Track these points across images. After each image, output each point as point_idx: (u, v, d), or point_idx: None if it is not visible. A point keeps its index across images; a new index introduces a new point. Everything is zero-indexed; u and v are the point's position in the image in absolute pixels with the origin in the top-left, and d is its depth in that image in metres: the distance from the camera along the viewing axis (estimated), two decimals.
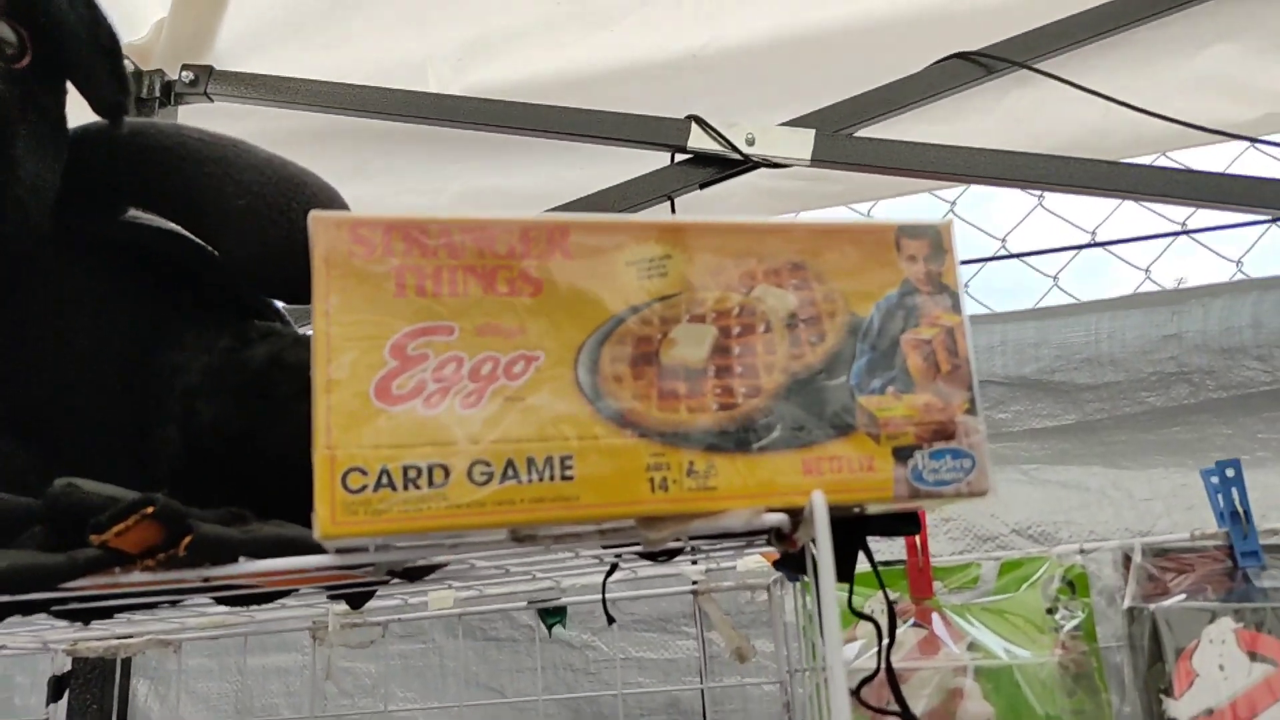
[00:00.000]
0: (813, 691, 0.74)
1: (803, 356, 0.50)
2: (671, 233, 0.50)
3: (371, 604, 0.86)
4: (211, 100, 1.27)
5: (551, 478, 0.45)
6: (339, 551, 0.49)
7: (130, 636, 0.83)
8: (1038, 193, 1.39)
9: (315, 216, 0.47)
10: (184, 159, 0.58)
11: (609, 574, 0.68)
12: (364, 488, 0.44)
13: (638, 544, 0.49)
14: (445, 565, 0.59)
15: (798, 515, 0.50)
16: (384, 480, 0.44)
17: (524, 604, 0.80)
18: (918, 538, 0.75)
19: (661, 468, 0.47)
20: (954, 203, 1.47)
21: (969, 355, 0.52)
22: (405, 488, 0.44)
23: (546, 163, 1.19)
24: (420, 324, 0.46)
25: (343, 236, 0.46)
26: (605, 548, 0.57)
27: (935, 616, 0.74)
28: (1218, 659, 0.65)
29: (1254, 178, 1.06)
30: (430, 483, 0.44)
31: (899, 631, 0.75)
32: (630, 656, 1.10)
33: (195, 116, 1.28)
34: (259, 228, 0.57)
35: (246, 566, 0.49)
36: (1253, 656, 0.66)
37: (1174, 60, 1.21)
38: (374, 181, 1.29)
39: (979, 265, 1.43)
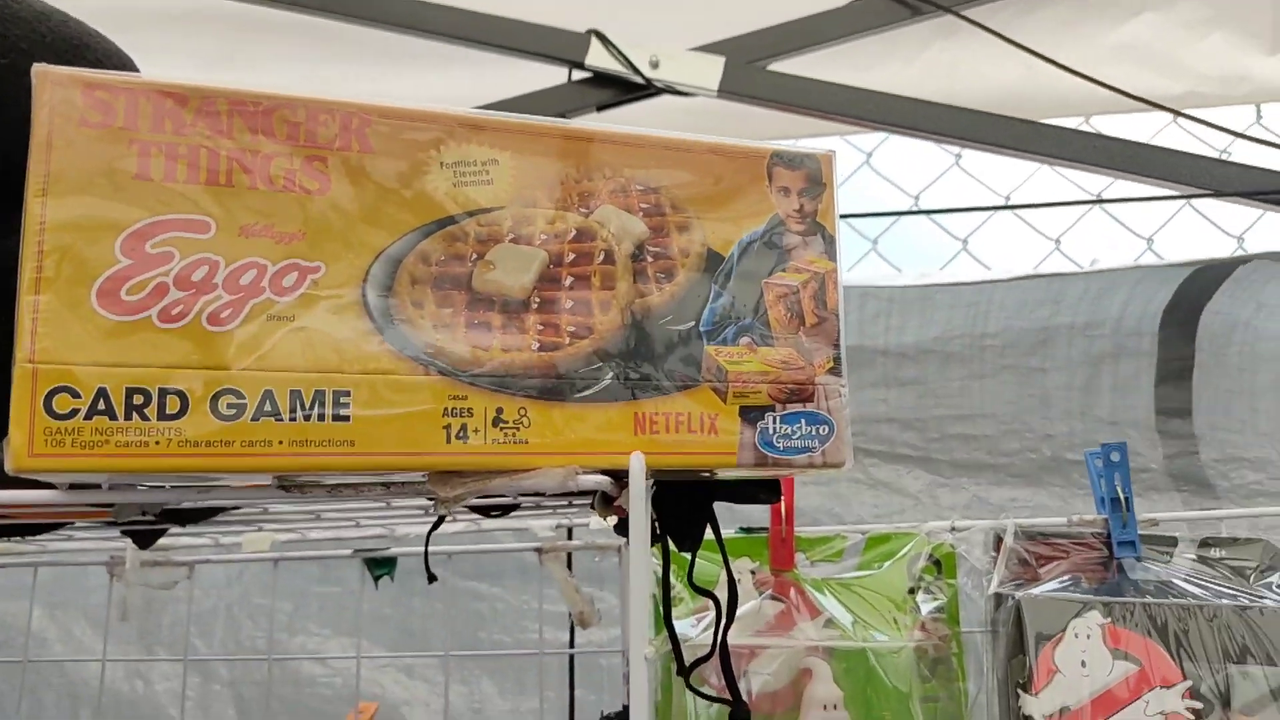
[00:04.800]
0: (658, 664, 0.68)
1: (647, 295, 0.43)
2: (501, 133, 0.42)
3: (182, 542, 0.77)
4: None
5: (322, 417, 0.37)
6: (73, 488, 0.40)
7: None
8: (955, 152, 1.33)
9: (39, 69, 0.37)
10: None
11: (434, 527, 0.60)
12: (74, 413, 0.35)
13: (431, 499, 0.42)
14: (228, 509, 0.51)
15: (625, 478, 0.43)
16: (101, 405, 0.35)
17: (349, 552, 0.72)
18: (783, 503, 0.69)
19: (462, 414, 0.39)
20: (870, 154, 1.41)
21: (839, 308, 0.45)
22: (128, 416, 0.35)
23: (431, 69, 1.08)
24: (166, 215, 0.37)
25: (73, 97, 0.37)
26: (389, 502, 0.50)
27: (794, 590, 0.68)
28: (1081, 654, 0.61)
29: (1174, 151, 1.02)
30: (161, 412, 0.36)
31: (756, 604, 0.69)
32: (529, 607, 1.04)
33: None
34: (22, 93, 0.47)
35: None
36: (1116, 653, 0.62)
37: (1101, 25, 1.16)
38: (238, 74, 1.16)
39: (891, 221, 1.38)
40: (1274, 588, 0.67)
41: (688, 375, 0.42)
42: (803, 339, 0.44)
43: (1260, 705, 0.62)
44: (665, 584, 0.57)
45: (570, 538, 0.85)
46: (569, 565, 0.83)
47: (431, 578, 0.61)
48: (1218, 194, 0.99)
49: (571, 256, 0.42)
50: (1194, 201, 1.19)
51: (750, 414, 0.43)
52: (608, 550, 0.73)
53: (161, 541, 0.73)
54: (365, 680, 1.11)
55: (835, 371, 0.44)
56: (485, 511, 0.61)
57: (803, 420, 0.44)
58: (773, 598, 0.69)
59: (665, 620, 0.55)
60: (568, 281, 0.42)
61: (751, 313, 0.44)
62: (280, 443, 0.37)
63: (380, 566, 0.71)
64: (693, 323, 0.43)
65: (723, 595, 0.52)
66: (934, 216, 1.20)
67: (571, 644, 0.92)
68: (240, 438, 0.36)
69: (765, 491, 0.51)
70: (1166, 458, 1.05)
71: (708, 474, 0.46)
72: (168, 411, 0.36)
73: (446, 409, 0.39)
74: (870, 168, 1.41)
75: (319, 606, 1.15)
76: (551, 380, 0.41)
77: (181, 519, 0.50)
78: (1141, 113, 1.10)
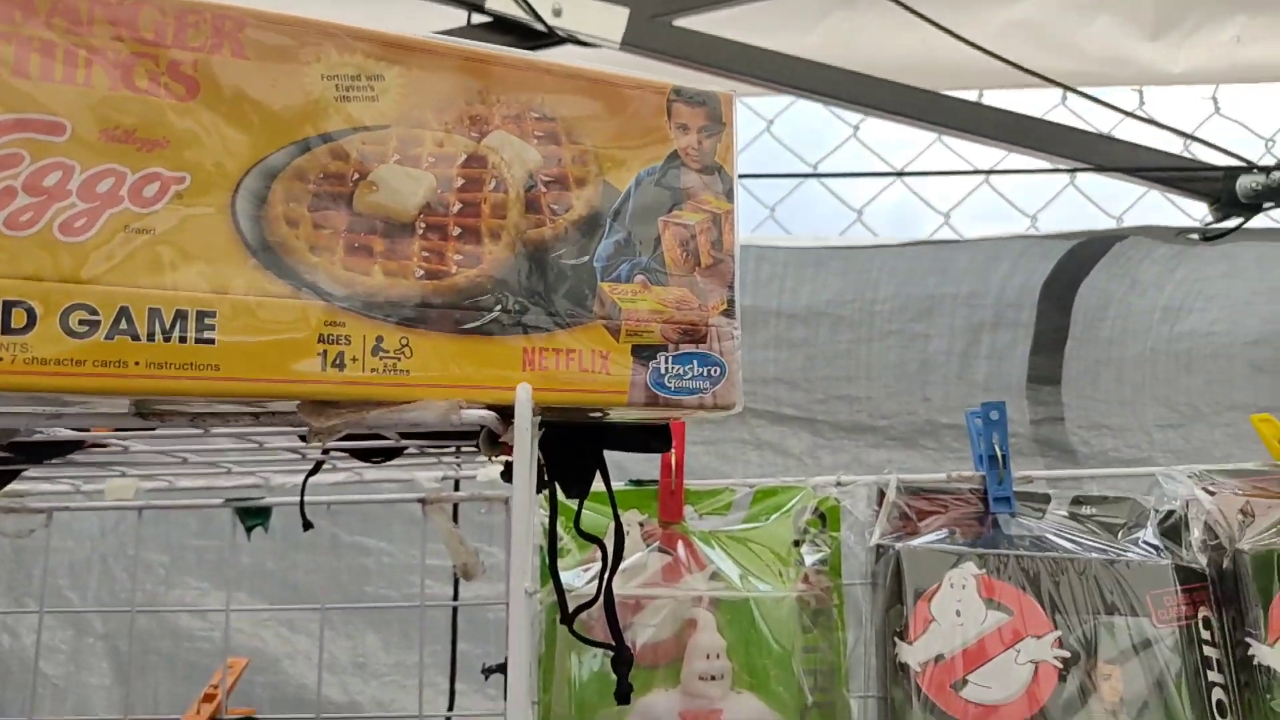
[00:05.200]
0: (542, 615, 0.67)
1: (540, 226, 0.42)
2: (390, 48, 0.40)
3: (40, 488, 0.72)
4: None
5: (184, 338, 0.35)
6: None
7: None
8: (854, 123, 1.35)
9: None
10: None
11: (311, 473, 0.58)
12: None
13: (303, 431, 0.40)
14: (85, 445, 0.48)
15: (511, 415, 0.42)
16: None
17: (220, 502, 0.68)
18: (674, 455, 0.69)
19: (338, 340, 0.37)
20: (771, 122, 1.41)
21: (734, 249, 0.45)
22: None
23: (320, 4, 1.03)
24: (15, 114, 0.34)
25: None
26: (261, 433, 0.47)
27: (681, 543, 0.68)
28: (955, 604, 0.63)
29: (1062, 125, 1.05)
30: (6, 326, 0.33)
31: (643, 556, 0.69)
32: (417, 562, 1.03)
33: None
34: None
35: None
36: (990, 604, 0.64)
37: (994, 2, 1.19)
38: None
39: (789, 189, 1.39)
40: (1140, 543, 0.70)
41: (580, 311, 0.41)
42: (697, 279, 0.44)
43: (1124, 657, 0.65)
44: (552, 531, 0.56)
45: (457, 490, 0.83)
46: (455, 519, 0.82)
47: (307, 525, 0.58)
48: (1100, 169, 1.03)
49: (461, 182, 0.40)
50: (1078, 181, 1.23)
51: (643, 353, 0.42)
52: (495, 502, 0.71)
53: (18, 487, 0.68)
54: (247, 635, 1.07)
55: (728, 313, 0.44)
56: (367, 457, 0.59)
57: (695, 361, 0.43)
58: (660, 550, 0.69)
59: (550, 568, 0.54)
60: (456, 208, 0.40)
61: (648, 250, 0.43)
62: (137, 364, 0.34)
63: (253, 517, 0.68)
64: (586, 257, 0.42)
65: (610, 543, 0.52)
66: (831, 187, 1.21)
67: (456, 597, 0.90)
68: (93, 357, 0.34)
69: (655, 439, 0.51)
70: (1033, 423, 1.09)
71: (598, 415, 0.45)
72: (13, 326, 0.33)
73: (322, 335, 0.37)
74: (771, 135, 1.41)
75: (197, 560, 1.11)
76: (436, 310, 0.39)
77: (35, 455, 0.47)
78: (1034, 89, 1.13)
